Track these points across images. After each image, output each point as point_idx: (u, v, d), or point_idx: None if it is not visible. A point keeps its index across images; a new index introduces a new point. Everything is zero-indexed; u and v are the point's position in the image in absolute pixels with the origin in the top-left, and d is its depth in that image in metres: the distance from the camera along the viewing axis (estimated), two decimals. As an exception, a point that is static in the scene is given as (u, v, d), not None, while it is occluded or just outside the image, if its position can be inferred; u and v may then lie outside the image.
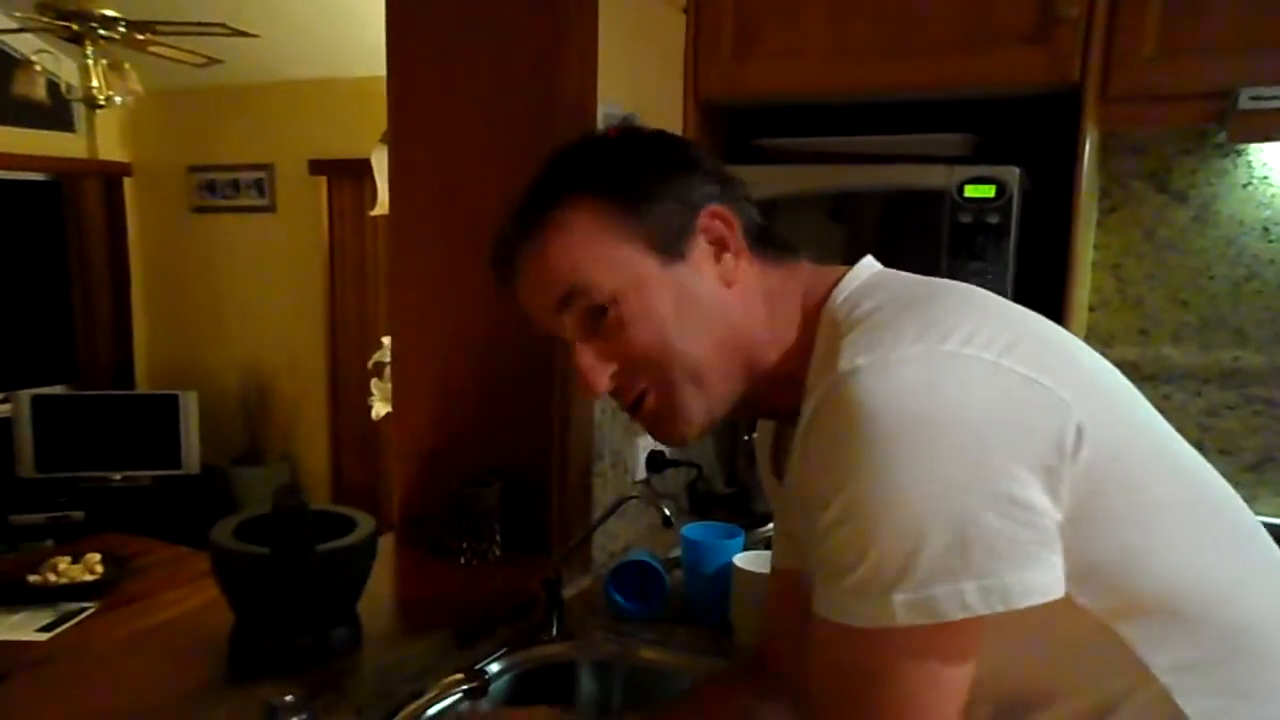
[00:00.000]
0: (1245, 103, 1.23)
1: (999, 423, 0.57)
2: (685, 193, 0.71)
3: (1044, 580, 0.57)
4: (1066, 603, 0.59)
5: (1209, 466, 0.69)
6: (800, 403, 0.65)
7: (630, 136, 0.76)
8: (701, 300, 0.70)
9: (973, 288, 0.69)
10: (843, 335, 0.63)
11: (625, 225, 0.69)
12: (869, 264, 0.74)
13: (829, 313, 0.69)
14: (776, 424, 0.82)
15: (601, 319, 0.70)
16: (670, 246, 0.69)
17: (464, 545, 1.34)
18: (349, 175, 3.95)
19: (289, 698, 0.81)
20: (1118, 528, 0.60)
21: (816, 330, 0.70)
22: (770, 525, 1.36)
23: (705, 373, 0.71)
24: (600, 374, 0.72)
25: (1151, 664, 0.61)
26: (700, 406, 0.72)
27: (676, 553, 1.35)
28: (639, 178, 0.71)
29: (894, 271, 0.74)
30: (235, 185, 4.35)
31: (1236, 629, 0.62)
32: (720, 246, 0.71)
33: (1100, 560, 0.60)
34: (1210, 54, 1.28)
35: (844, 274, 0.72)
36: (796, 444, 0.64)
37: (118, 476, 4.01)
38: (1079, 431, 0.58)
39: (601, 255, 0.69)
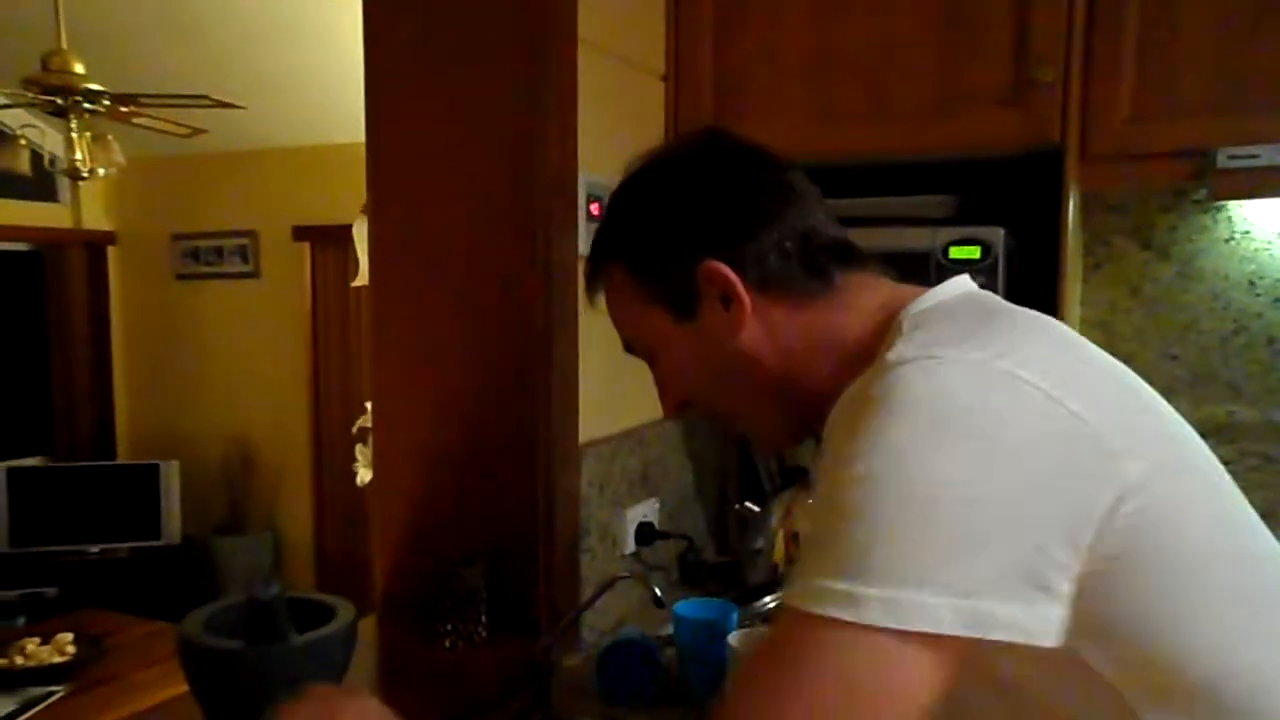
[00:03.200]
0: (1224, 162, 1.24)
1: (1032, 448, 0.54)
2: (688, 250, 0.73)
3: (1031, 624, 0.53)
4: (1092, 677, 0.55)
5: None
6: None
7: (656, 178, 0.78)
8: (720, 353, 0.74)
9: (1053, 320, 0.68)
10: (898, 338, 0.62)
11: (646, 291, 0.76)
12: (962, 282, 0.72)
13: (900, 321, 0.67)
14: None
15: (655, 361, 0.79)
16: (681, 306, 0.74)
17: (449, 628, 1.29)
18: (333, 241, 3.96)
19: (257, 811, 0.75)
20: (1160, 591, 0.57)
21: (885, 339, 0.67)
22: (766, 600, 1.32)
23: (746, 412, 0.77)
24: (666, 403, 0.81)
25: None
26: (762, 433, 0.79)
27: (669, 629, 1.30)
28: (649, 243, 0.76)
29: (986, 293, 0.72)
30: (219, 252, 4.35)
31: None
32: (725, 299, 0.73)
33: (1135, 625, 0.56)
34: (1186, 114, 1.30)
35: (923, 292, 0.71)
36: (826, 428, 0.62)
37: (95, 549, 3.92)
38: (1123, 482, 0.55)
39: (634, 315, 0.78)
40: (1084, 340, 0.67)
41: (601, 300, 0.81)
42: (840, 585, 0.53)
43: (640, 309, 0.77)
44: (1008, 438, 0.54)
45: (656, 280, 0.75)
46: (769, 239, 0.72)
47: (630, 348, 0.81)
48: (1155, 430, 0.62)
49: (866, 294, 0.72)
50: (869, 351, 0.65)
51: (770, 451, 0.80)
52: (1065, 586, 0.55)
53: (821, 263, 0.73)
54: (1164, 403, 0.66)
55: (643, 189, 0.78)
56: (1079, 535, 0.54)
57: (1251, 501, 1.75)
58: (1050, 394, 0.56)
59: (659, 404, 0.82)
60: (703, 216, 0.74)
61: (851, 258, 0.74)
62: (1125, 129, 1.32)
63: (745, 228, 0.73)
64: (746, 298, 0.71)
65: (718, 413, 0.80)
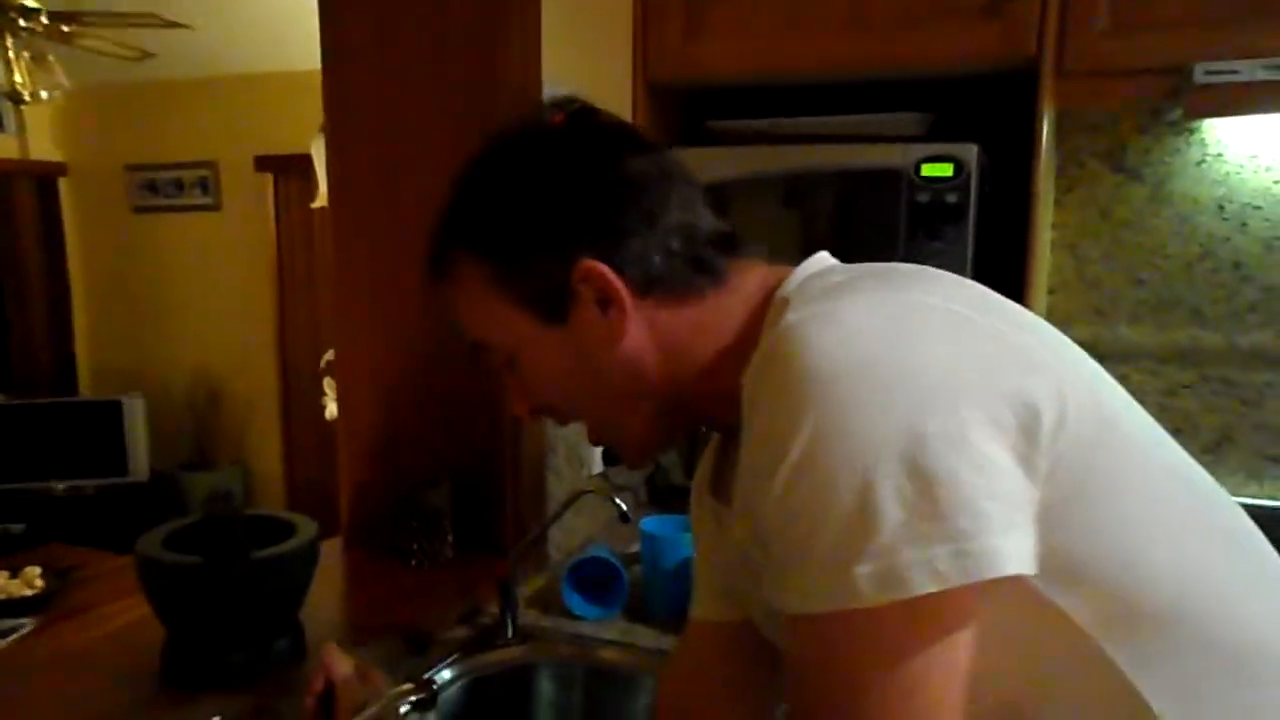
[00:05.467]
0: (1200, 77, 1.22)
1: (963, 368, 0.51)
2: (560, 245, 0.64)
3: (1023, 550, 0.50)
4: (1049, 612, 0.53)
5: (1195, 463, 0.63)
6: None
7: (519, 160, 0.67)
8: (590, 357, 0.66)
9: (941, 271, 0.64)
10: (787, 308, 0.58)
11: (506, 288, 0.66)
12: (824, 256, 0.68)
13: (776, 304, 0.63)
14: (720, 439, 0.76)
15: (512, 365, 0.69)
16: (549, 308, 0.65)
17: (415, 547, 1.29)
18: (296, 172, 3.85)
19: (217, 718, 0.75)
20: (1111, 520, 0.54)
21: (765, 325, 0.63)
22: (732, 517, 1.32)
23: (613, 420, 0.69)
24: (520, 405, 0.72)
25: (1146, 691, 0.54)
26: (632, 443, 0.71)
27: (636, 547, 1.31)
28: (513, 235, 0.66)
29: (859, 266, 0.68)
30: (178, 184, 4.22)
31: (1241, 648, 0.56)
32: (605, 301, 0.64)
33: (1089, 556, 0.53)
34: (1164, 29, 1.27)
35: (793, 270, 0.66)
36: (744, 420, 0.57)
37: (61, 486, 3.87)
38: (1061, 393, 0.52)
39: (490, 316, 0.67)
40: (984, 288, 0.63)
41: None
42: (830, 575, 0.50)
43: (496, 309, 0.66)
44: (937, 359, 0.51)
45: (520, 277, 0.65)
46: (653, 236, 0.64)
47: (479, 351, 0.70)
48: (1073, 357, 0.60)
49: (746, 279, 0.67)
50: (751, 335, 0.62)
51: (642, 461, 0.72)
52: (1030, 509, 0.51)
53: (707, 257, 0.66)
54: (1065, 339, 0.64)
55: (503, 168, 0.67)
56: (1032, 450, 0.51)
57: (1210, 424, 1.77)
58: (963, 312, 0.54)
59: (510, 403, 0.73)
60: (579, 208, 0.65)
61: (734, 246, 0.68)
62: (1103, 43, 1.29)
63: (626, 223, 0.64)
64: (628, 301, 0.63)
65: (585, 420, 0.71)
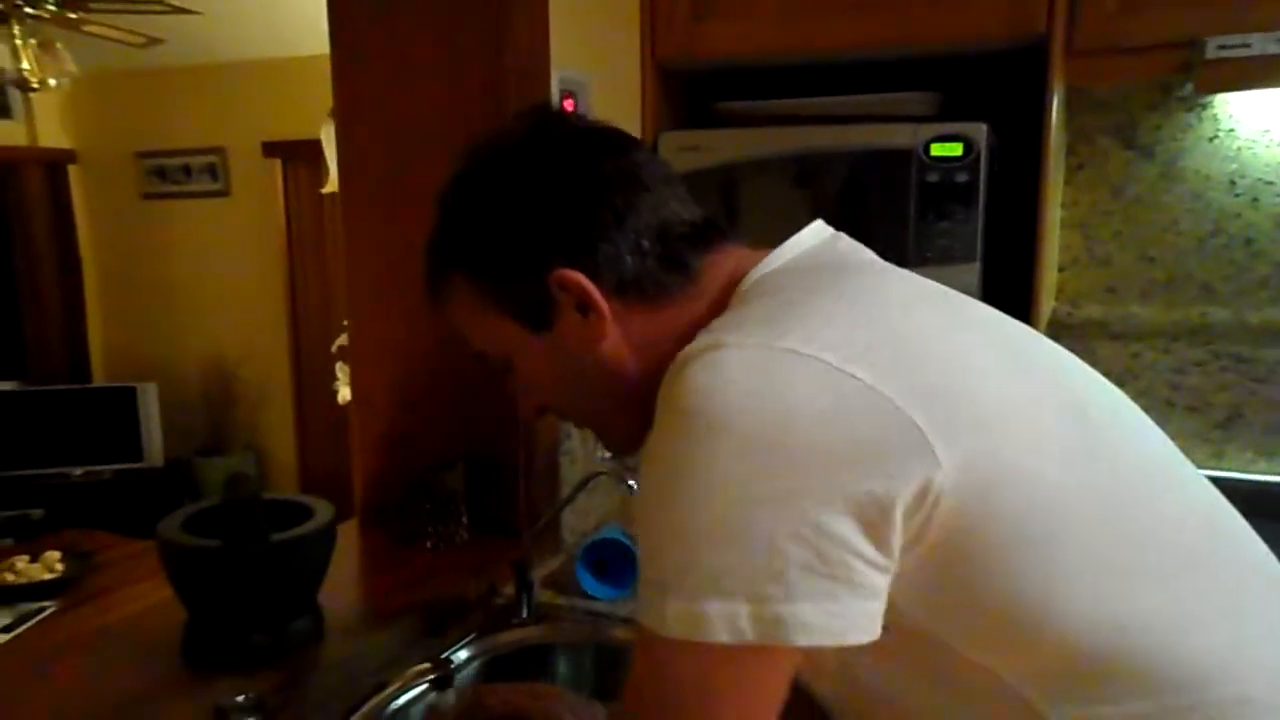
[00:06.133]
0: (1213, 52, 1.21)
1: (820, 435, 0.51)
2: (537, 258, 0.67)
3: (831, 623, 0.51)
4: (953, 652, 0.55)
5: (1173, 468, 0.63)
6: None
7: (493, 179, 0.69)
8: (577, 361, 0.69)
9: (891, 284, 0.64)
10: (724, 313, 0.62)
11: (494, 301, 0.69)
12: (815, 230, 0.69)
13: (733, 300, 0.65)
14: None
15: (510, 371, 0.74)
16: (535, 317, 0.68)
17: (430, 530, 1.30)
18: (304, 157, 3.84)
19: (240, 698, 0.77)
20: (1006, 572, 0.54)
21: None
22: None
23: (602, 420, 0.75)
24: (525, 406, 0.78)
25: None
26: (622, 439, 0.75)
27: (648, 529, 1.32)
28: (494, 255, 0.69)
29: (833, 246, 0.69)
30: (187, 170, 4.23)
31: (1181, 686, 0.55)
32: (582, 307, 0.67)
33: (985, 606, 0.55)
34: (1175, 3, 1.26)
35: (765, 256, 0.67)
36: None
37: (78, 471, 3.91)
38: (931, 461, 0.51)
39: (482, 327, 0.71)
40: (952, 297, 0.63)
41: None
42: (650, 596, 0.54)
43: (490, 323, 0.70)
44: (795, 427, 0.51)
45: (504, 292, 0.69)
46: (624, 239, 0.66)
47: (482, 358, 0.75)
48: (1000, 395, 0.57)
49: (718, 273, 0.68)
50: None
51: (629, 451, 0.76)
52: (875, 578, 0.52)
53: (680, 254, 0.67)
54: (1041, 346, 0.64)
55: (479, 189, 0.70)
56: (884, 519, 0.51)
57: (1221, 401, 1.76)
58: (837, 366, 0.53)
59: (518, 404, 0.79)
60: (549, 218, 0.67)
61: (709, 238, 0.69)
62: (1114, 19, 1.28)
63: (597, 229, 0.66)
64: (605, 305, 0.66)
65: (578, 418, 0.78)
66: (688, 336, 0.61)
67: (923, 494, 0.52)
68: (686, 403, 0.54)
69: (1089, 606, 0.55)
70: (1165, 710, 0.55)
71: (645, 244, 0.66)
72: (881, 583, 0.53)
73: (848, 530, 0.51)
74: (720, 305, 0.65)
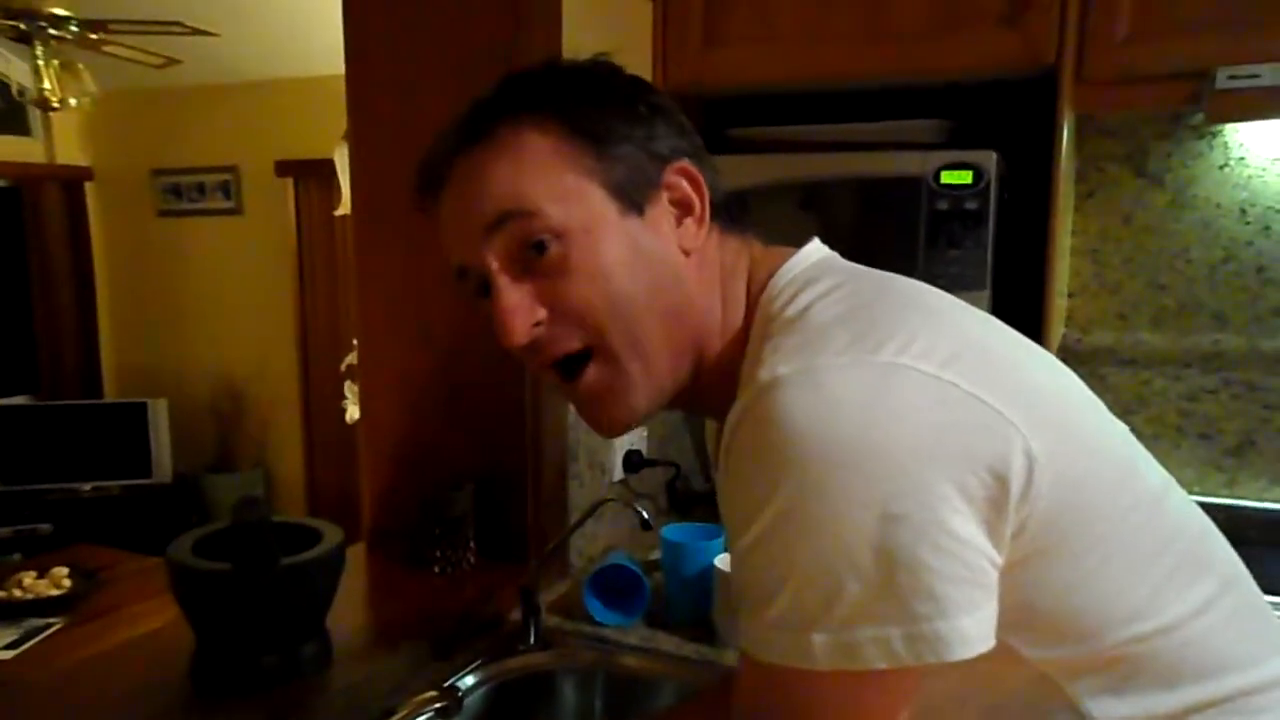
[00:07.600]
0: (1223, 82, 1.22)
1: (937, 444, 0.51)
2: (654, 142, 0.63)
3: (984, 630, 0.52)
4: (1010, 653, 0.55)
5: (1175, 489, 0.64)
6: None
7: (603, 68, 0.66)
8: (654, 262, 0.62)
9: (922, 286, 0.63)
10: (771, 336, 0.58)
11: (586, 160, 0.61)
12: (814, 249, 0.68)
13: (765, 303, 0.63)
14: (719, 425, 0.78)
15: (537, 257, 0.60)
16: (630, 196, 0.61)
17: (437, 554, 1.30)
18: (316, 176, 3.88)
19: (249, 725, 0.76)
20: (1075, 569, 0.55)
21: (754, 320, 0.64)
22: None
23: (647, 345, 0.62)
24: (523, 318, 0.62)
25: None
26: (644, 388, 0.63)
27: (657, 554, 1.32)
28: (609, 113, 0.62)
29: (841, 261, 0.68)
30: (201, 188, 4.27)
31: (1208, 679, 0.57)
32: (683, 209, 0.64)
33: (1051, 607, 0.55)
34: (1185, 34, 1.26)
35: (788, 257, 0.66)
36: (721, 458, 0.58)
37: (87, 487, 3.92)
38: (1029, 460, 0.52)
39: (555, 184, 0.60)
40: (955, 302, 0.63)
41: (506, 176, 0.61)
42: (788, 635, 0.52)
43: (570, 181, 0.60)
44: (908, 439, 0.50)
45: (608, 158, 0.61)
46: (710, 167, 0.66)
47: (465, 273, 0.63)
48: (1047, 389, 0.59)
49: (748, 252, 0.68)
50: (741, 333, 0.64)
51: (624, 420, 0.66)
52: (994, 580, 0.53)
53: (733, 208, 0.67)
54: (1050, 362, 0.64)
55: (598, 68, 0.65)
56: (999, 518, 0.52)
57: (1233, 429, 1.76)
58: (939, 376, 0.52)
59: (502, 321, 0.63)
60: (677, 116, 0.65)
61: (744, 211, 0.69)
62: (1124, 49, 1.29)
63: (702, 149, 0.67)
64: (707, 215, 0.64)
65: (608, 333, 0.62)
66: (731, 306, 0.63)
67: (1026, 489, 0.52)
68: (794, 427, 0.50)
69: (1143, 604, 0.57)
70: (1208, 701, 0.57)
71: (718, 181, 0.67)
72: (994, 579, 0.54)
73: (977, 535, 0.51)
74: (755, 298, 0.64)
